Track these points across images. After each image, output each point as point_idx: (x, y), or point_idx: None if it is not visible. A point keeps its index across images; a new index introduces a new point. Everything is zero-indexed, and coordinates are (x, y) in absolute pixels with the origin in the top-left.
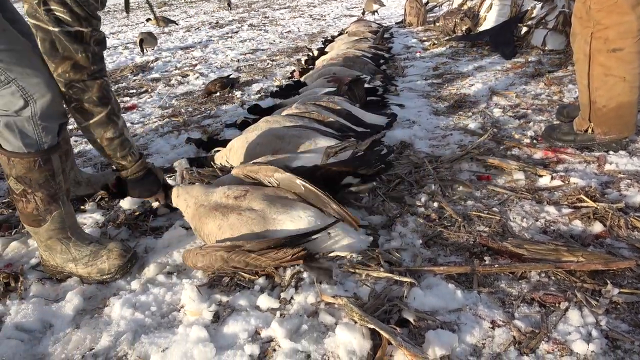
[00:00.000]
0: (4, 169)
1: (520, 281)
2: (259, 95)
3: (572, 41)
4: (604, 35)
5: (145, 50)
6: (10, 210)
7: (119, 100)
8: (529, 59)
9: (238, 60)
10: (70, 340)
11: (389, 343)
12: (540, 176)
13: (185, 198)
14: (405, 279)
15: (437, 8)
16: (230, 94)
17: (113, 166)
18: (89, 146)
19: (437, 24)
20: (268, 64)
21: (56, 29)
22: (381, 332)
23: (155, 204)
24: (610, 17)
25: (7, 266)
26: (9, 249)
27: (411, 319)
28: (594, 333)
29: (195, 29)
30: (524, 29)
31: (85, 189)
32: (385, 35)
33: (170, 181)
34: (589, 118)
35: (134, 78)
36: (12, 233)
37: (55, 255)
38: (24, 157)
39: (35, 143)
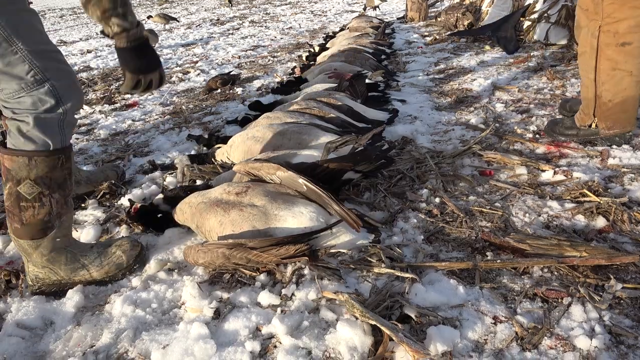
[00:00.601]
0: (15, 175)
1: (522, 276)
2: (260, 91)
3: (577, 34)
4: (613, 29)
5: None
6: None
7: (119, 98)
8: (532, 54)
9: (239, 57)
10: (71, 338)
11: (391, 339)
12: (543, 171)
13: (181, 207)
14: (406, 275)
15: (439, 3)
16: (231, 91)
17: (110, 30)
18: (90, 143)
19: (439, 19)
20: (269, 60)
21: None
22: (382, 328)
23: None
24: (622, 10)
25: (9, 264)
26: (10, 247)
27: (413, 315)
28: (597, 328)
29: (197, 26)
30: (527, 23)
31: (85, 187)
32: (387, 31)
33: (171, 178)
34: (594, 113)
35: None
36: None
37: (59, 269)
38: (49, 155)
39: (60, 140)
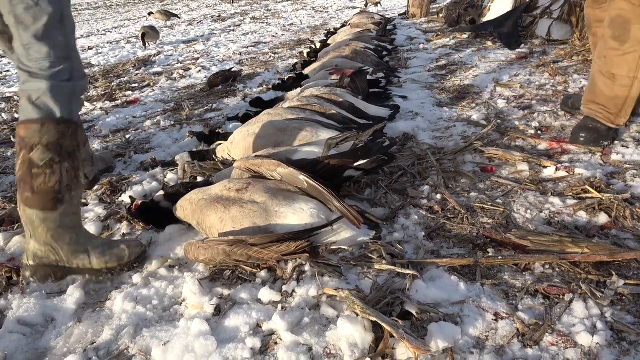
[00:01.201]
0: (29, 142)
1: (524, 273)
2: (261, 88)
3: (625, 28)
4: None
5: (147, 44)
6: (13, 205)
7: (121, 95)
8: (534, 50)
9: (240, 54)
10: (72, 334)
11: (391, 336)
12: (545, 167)
13: (182, 204)
14: (407, 272)
15: None
16: (232, 87)
17: None
18: (91, 140)
19: (441, 15)
20: (270, 57)
21: None
22: (383, 324)
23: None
24: None
25: (10, 260)
26: (12, 244)
27: (414, 312)
28: (599, 325)
29: (198, 23)
30: (529, 19)
31: (103, 163)
32: (388, 27)
33: (172, 174)
34: (633, 112)
35: (136, 72)
36: (15, 227)
37: (61, 247)
38: (60, 123)
39: (68, 111)
